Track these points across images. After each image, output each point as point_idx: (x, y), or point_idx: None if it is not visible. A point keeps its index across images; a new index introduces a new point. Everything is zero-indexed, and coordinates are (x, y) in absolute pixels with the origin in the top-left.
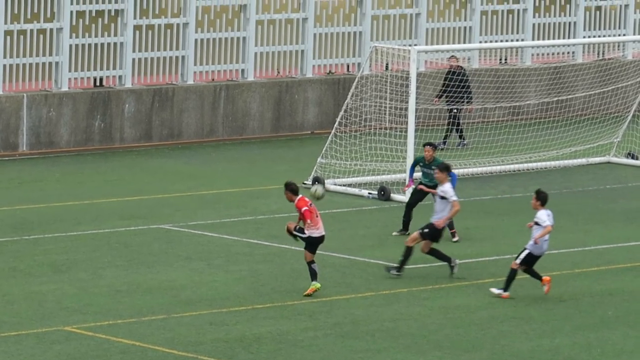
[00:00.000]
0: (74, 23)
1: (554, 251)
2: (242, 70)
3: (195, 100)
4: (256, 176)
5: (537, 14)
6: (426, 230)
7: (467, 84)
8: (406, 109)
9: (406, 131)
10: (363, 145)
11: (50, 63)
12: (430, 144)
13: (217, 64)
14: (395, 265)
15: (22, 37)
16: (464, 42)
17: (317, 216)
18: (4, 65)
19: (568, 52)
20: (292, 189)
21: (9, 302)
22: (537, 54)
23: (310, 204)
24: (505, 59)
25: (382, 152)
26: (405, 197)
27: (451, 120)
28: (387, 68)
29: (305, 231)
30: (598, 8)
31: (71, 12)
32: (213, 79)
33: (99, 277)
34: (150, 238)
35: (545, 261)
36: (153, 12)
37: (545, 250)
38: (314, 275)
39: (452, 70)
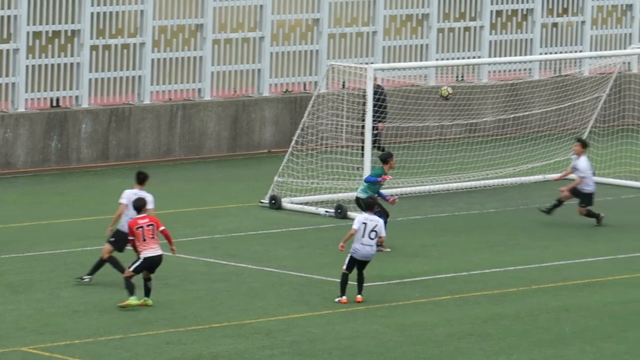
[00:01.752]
0: (30, 44)
1: (511, 268)
2: (199, 90)
3: (152, 120)
4: (213, 195)
5: (493, 31)
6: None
7: (385, 103)
8: (363, 127)
9: (363, 149)
10: (320, 164)
11: (6, 84)
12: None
13: (174, 83)
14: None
15: None
16: (421, 60)
17: (152, 237)
18: None
19: (525, 69)
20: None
21: None
22: (494, 71)
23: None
24: (462, 76)
25: (339, 171)
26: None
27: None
28: (343, 86)
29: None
30: (554, 25)
31: (28, 32)
32: (170, 99)
33: (56, 297)
34: None
35: (503, 277)
36: (109, 32)
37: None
38: (131, 290)
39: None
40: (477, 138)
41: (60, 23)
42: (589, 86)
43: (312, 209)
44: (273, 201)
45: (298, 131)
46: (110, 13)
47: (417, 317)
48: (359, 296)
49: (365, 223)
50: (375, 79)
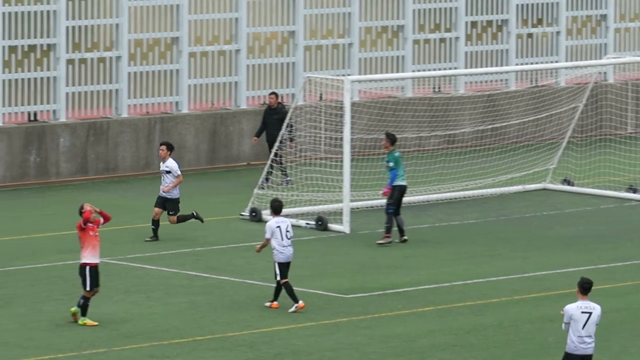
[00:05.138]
0: (6, 58)
1: (492, 278)
2: (177, 103)
3: (130, 133)
4: (193, 208)
5: (469, 42)
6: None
7: (289, 121)
8: (341, 139)
9: (342, 161)
10: (299, 176)
11: None
12: (386, 134)
13: (151, 96)
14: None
15: None
16: (397, 71)
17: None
18: None
19: (501, 80)
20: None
21: None
22: (471, 82)
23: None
24: (439, 88)
25: (318, 182)
26: (342, 227)
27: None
28: (321, 98)
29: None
30: (530, 35)
31: (3, 47)
32: (148, 112)
33: (38, 312)
34: None
35: (484, 288)
36: (85, 46)
37: None
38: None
39: (271, 106)
40: (456, 149)
41: (35, 37)
42: (566, 96)
43: (293, 221)
44: (253, 213)
45: (277, 143)
46: (86, 27)
47: (399, 328)
48: (275, 302)
49: (279, 226)
50: (275, 96)
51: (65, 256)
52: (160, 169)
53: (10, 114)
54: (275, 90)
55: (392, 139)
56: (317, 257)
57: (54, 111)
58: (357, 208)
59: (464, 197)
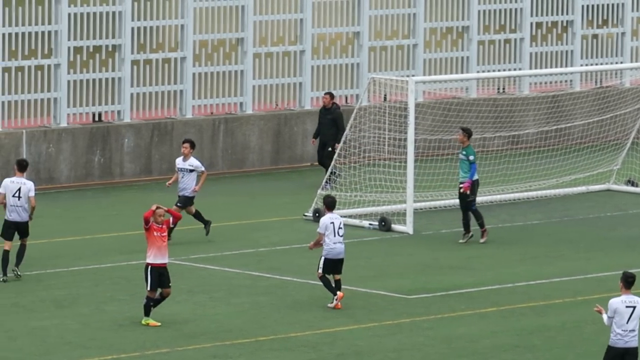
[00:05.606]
0: (71, 59)
1: (555, 279)
2: (241, 104)
3: (194, 134)
4: (256, 209)
5: (534, 43)
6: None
7: (339, 121)
8: (405, 139)
9: (405, 162)
10: (363, 177)
11: (48, 99)
12: (463, 128)
13: (216, 97)
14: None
15: (20, 73)
16: (462, 72)
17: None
18: (3, 102)
19: (566, 81)
20: None
21: (12, 338)
22: (535, 83)
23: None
24: (503, 89)
25: (382, 183)
26: (405, 227)
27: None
28: (385, 99)
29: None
30: (595, 36)
31: (69, 48)
32: (212, 113)
33: (101, 312)
34: None
35: (547, 289)
36: (150, 46)
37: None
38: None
39: (325, 107)
40: (520, 150)
41: (101, 38)
42: (631, 97)
43: (356, 221)
44: (317, 214)
45: (340, 144)
46: (151, 28)
47: (462, 329)
48: (340, 292)
49: (332, 223)
50: (330, 96)
51: (129, 256)
52: (179, 166)
53: (75, 114)
54: (339, 91)
55: (469, 133)
56: (380, 258)
57: (119, 112)
58: (421, 209)
59: (528, 198)
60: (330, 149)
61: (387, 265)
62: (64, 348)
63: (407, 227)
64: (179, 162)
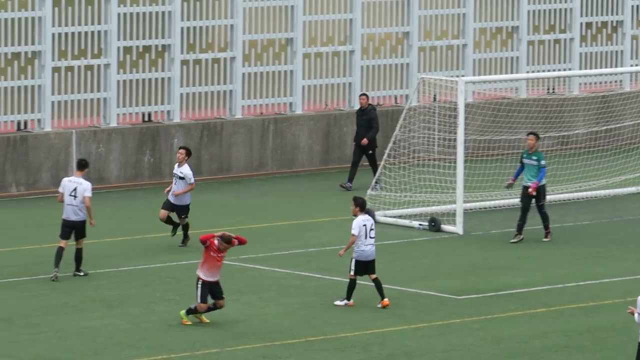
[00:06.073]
0: (121, 59)
1: (605, 280)
2: (291, 104)
3: (243, 134)
4: (306, 209)
5: (583, 43)
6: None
7: (374, 122)
8: (455, 140)
9: (455, 162)
10: (412, 177)
11: (98, 99)
12: (533, 133)
13: (265, 97)
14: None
15: (69, 73)
16: (511, 72)
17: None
18: (53, 102)
19: (616, 81)
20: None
21: (62, 337)
22: (585, 83)
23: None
24: (553, 89)
25: (431, 184)
26: (455, 228)
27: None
28: (435, 99)
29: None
30: None
31: (118, 48)
32: (261, 113)
33: (151, 312)
34: None
35: (597, 289)
36: (200, 46)
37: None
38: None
39: (361, 108)
40: (570, 150)
41: (150, 38)
42: None
43: (406, 222)
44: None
45: (390, 144)
46: (201, 28)
47: (512, 329)
48: (386, 300)
49: (364, 225)
50: (366, 97)
51: (179, 257)
52: (174, 171)
53: (125, 114)
54: (389, 92)
55: (539, 137)
56: (429, 258)
57: (168, 112)
58: (470, 209)
59: (578, 199)
60: (370, 151)
61: (437, 266)
62: (113, 348)
63: (457, 228)
64: (175, 167)
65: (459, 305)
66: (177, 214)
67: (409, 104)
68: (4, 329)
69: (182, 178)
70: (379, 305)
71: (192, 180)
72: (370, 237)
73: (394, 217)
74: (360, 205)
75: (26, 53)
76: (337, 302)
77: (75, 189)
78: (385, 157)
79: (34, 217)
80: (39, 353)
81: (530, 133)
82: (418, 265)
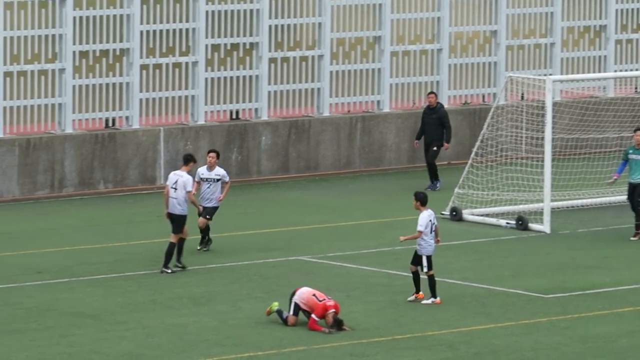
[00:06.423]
0: (209, 57)
1: None
2: (378, 102)
3: (331, 132)
4: (393, 207)
5: None
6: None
7: (446, 121)
8: (542, 138)
9: (543, 161)
10: (500, 175)
11: (186, 97)
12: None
13: (353, 95)
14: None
15: (157, 71)
16: (599, 71)
17: None
18: (141, 100)
19: None
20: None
21: (150, 334)
22: None
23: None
24: None
25: (519, 182)
26: (542, 226)
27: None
28: (522, 98)
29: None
30: None
31: (206, 45)
32: (349, 111)
33: (238, 309)
34: (289, 270)
35: None
36: (288, 44)
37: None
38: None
39: (430, 106)
40: None
41: (238, 36)
42: None
43: (493, 220)
44: (454, 213)
45: (478, 143)
46: (288, 26)
47: (599, 328)
48: (421, 292)
49: (431, 220)
50: (434, 95)
51: (266, 254)
52: (203, 176)
53: (213, 112)
54: (477, 90)
55: None
56: (517, 257)
57: (256, 109)
58: (558, 208)
59: None
60: (435, 148)
61: (524, 265)
62: (201, 345)
63: (544, 226)
64: (204, 172)
65: (546, 304)
66: (205, 214)
67: (496, 102)
68: (91, 326)
69: (217, 180)
70: (411, 299)
71: (228, 178)
72: (432, 232)
73: (481, 215)
74: (421, 201)
75: (114, 50)
76: (424, 301)
77: (176, 182)
78: (472, 155)
79: (122, 215)
80: (127, 350)
81: (638, 129)
82: (505, 263)
